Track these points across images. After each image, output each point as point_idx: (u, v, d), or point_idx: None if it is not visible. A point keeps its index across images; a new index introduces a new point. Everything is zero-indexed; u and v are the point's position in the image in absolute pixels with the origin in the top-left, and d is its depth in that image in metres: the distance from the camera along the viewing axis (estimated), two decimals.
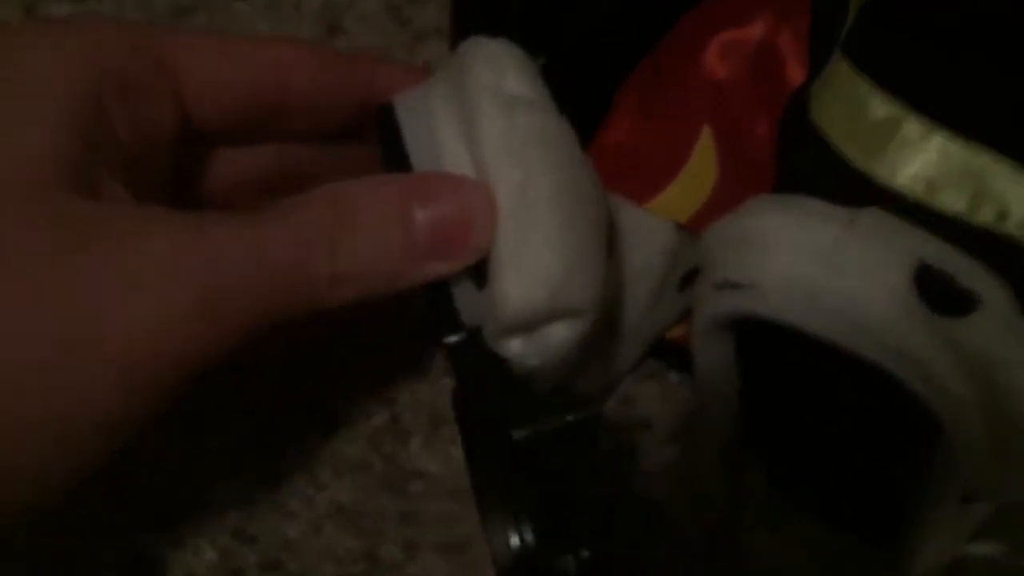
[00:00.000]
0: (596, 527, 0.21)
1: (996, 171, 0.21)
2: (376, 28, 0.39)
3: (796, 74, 0.28)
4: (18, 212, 0.18)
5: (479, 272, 0.22)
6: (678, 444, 0.32)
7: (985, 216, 0.21)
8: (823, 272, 0.18)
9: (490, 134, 0.21)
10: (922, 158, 0.22)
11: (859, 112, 0.23)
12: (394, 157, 0.23)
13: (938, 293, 0.18)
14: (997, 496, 0.20)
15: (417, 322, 0.31)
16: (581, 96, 0.31)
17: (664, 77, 0.30)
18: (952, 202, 0.21)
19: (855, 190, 0.22)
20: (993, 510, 0.22)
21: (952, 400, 0.17)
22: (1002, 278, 0.21)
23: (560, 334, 0.23)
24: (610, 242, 0.25)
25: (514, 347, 0.23)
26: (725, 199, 0.29)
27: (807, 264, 0.19)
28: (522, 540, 0.21)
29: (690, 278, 0.27)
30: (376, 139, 0.24)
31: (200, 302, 0.18)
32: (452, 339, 0.24)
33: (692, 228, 0.28)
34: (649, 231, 0.28)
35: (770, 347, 0.21)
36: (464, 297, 0.23)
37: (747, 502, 0.28)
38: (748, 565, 0.28)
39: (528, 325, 0.22)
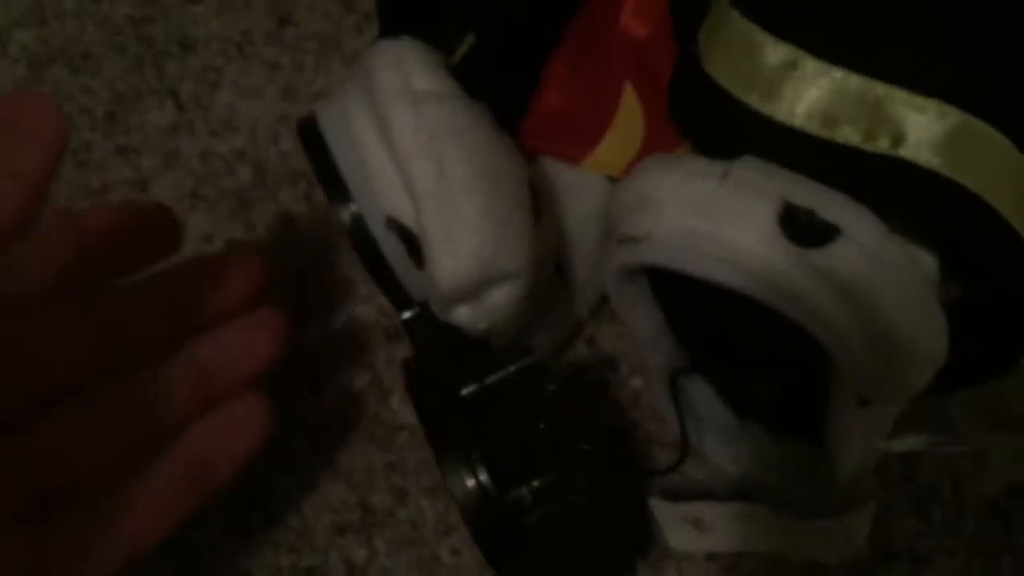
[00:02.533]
0: (546, 459, 0.24)
1: (893, 98, 0.23)
2: (325, 15, 0.41)
3: None
4: None
5: (417, 255, 0.25)
6: (639, 377, 0.35)
7: (881, 144, 0.23)
8: (702, 222, 0.21)
9: (402, 131, 0.24)
10: (817, 94, 0.23)
11: (754, 59, 0.24)
12: (323, 167, 0.25)
13: (802, 228, 0.20)
14: (888, 400, 0.23)
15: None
16: (514, 68, 0.33)
17: (587, 40, 0.32)
18: (849, 134, 0.23)
19: (756, 134, 0.24)
20: (900, 409, 0.25)
21: (828, 323, 0.20)
22: (897, 200, 0.23)
23: (501, 297, 0.26)
24: (539, 206, 0.27)
25: (462, 314, 0.26)
26: (655, 150, 0.31)
27: (689, 216, 0.21)
28: (477, 480, 0.23)
29: None
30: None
31: None
32: (406, 315, 0.26)
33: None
34: (585, 188, 0.31)
35: (680, 287, 0.23)
36: (409, 278, 0.26)
37: (701, 419, 0.31)
38: (709, 474, 0.31)
39: (468, 294, 0.25)
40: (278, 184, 0.37)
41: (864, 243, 0.20)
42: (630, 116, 0.31)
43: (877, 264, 0.20)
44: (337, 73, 0.40)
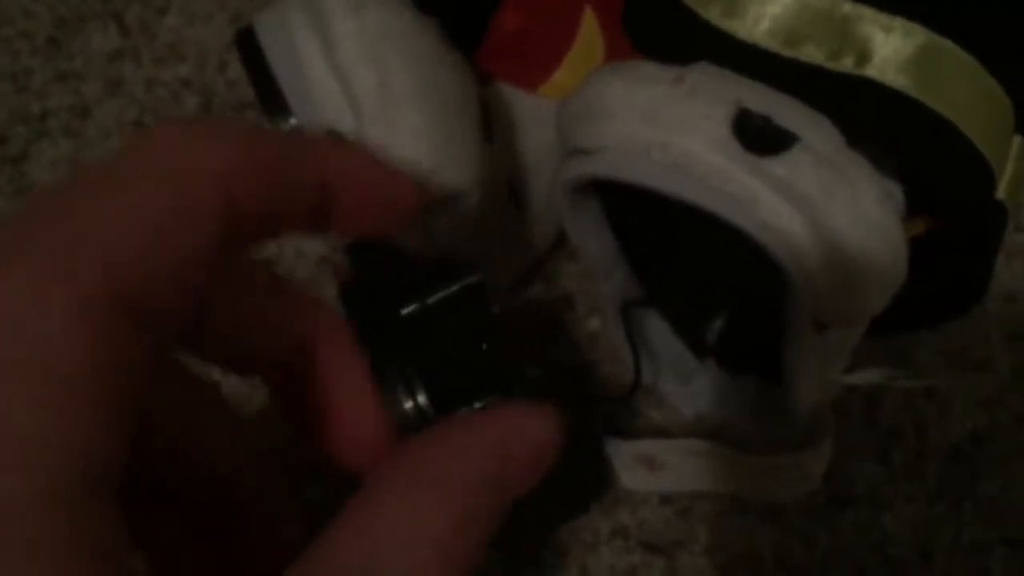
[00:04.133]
0: (488, 381, 0.23)
1: (861, 17, 0.22)
2: None
3: None
4: None
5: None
6: (597, 316, 0.33)
7: (845, 63, 0.22)
8: (653, 129, 0.19)
9: (342, 37, 0.22)
10: (781, 10, 0.22)
11: None
12: (260, 79, 0.24)
13: (757, 134, 0.19)
14: (844, 323, 0.22)
15: None
16: None
17: None
18: (812, 53, 0.22)
19: (715, 51, 0.23)
20: (856, 339, 0.24)
21: (781, 235, 0.19)
22: (861, 119, 0.22)
23: (447, 213, 0.24)
24: (490, 127, 0.26)
25: (406, 235, 0.25)
26: None
27: (639, 124, 0.20)
28: (415, 402, 0.22)
29: None
30: None
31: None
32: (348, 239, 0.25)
33: None
34: (542, 113, 0.29)
35: (634, 206, 0.22)
36: None
37: (658, 357, 0.30)
38: (666, 414, 0.30)
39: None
40: (225, 114, 0.36)
41: (821, 152, 0.19)
42: (589, 41, 0.30)
43: (834, 174, 0.19)
44: None
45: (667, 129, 0.19)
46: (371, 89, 0.22)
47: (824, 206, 0.19)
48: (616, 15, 0.30)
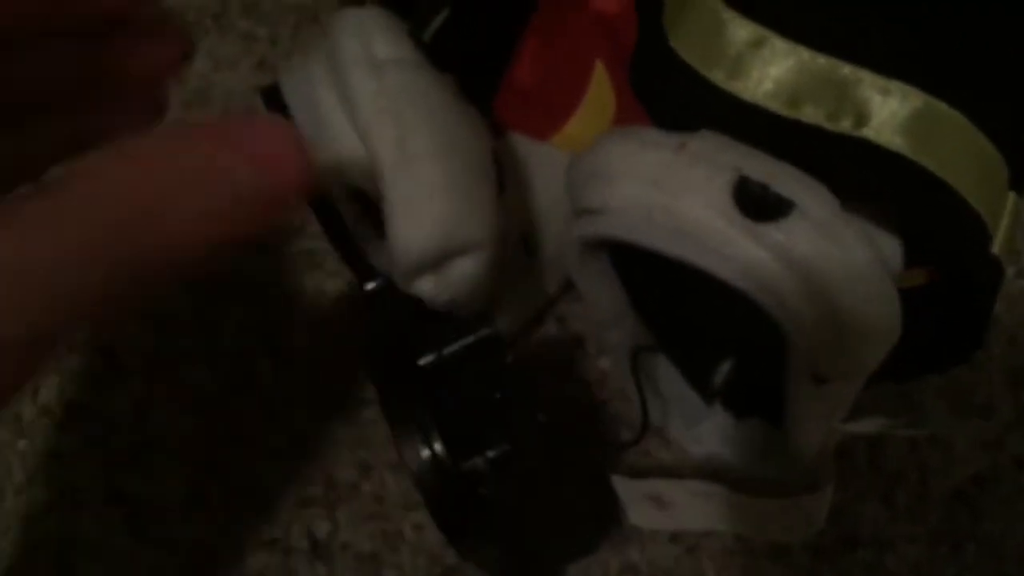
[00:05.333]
0: (501, 429, 0.24)
1: (859, 80, 0.23)
2: None
3: None
4: None
5: (380, 224, 0.25)
6: (607, 355, 0.34)
7: (844, 124, 0.23)
8: (657, 194, 0.20)
9: (363, 98, 0.23)
10: (783, 73, 0.23)
11: (721, 37, 0.24)
12: None
13: (755, 201, 0.20)
14: (842, 377, 0.23)
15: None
16: (487, 42, 0.33)
17: (558, 20, 0.32)
18: (813, 114, 0.23)
19: (720, 111, 0.24)
20: (857, 389, 0.25)
21: (778, 297, 0.20)
22: (858, 180, 0.23)
23: (464, 268, 0.25)
24: (503, 178, 0.27)
25: (425, 286, 0.26)
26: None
27: (643, 188, 0.21)
28: (432, 450, 0.23)
29: None
30: None
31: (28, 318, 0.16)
32: (370, 286, 0.26)
33: None
34: (554, 164, 0.30)
35: (642, 260, 0.23)
36: (374, 249, 0.26)
37: (666, 399, 0.31)
38: (674, 454, 0.31)
39: (431, 265, 0.25)
40: None
41: (817, 218, 0.20)
42: (600, 94, 0.31)
43: (829, 239, 0.20)
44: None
45: (670, 193, 0.20)
46: (390, 148, 0.23)
47: (820, 270, 0.20)
48: (627, 71, 0.31)
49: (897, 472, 0.32)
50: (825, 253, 0.20)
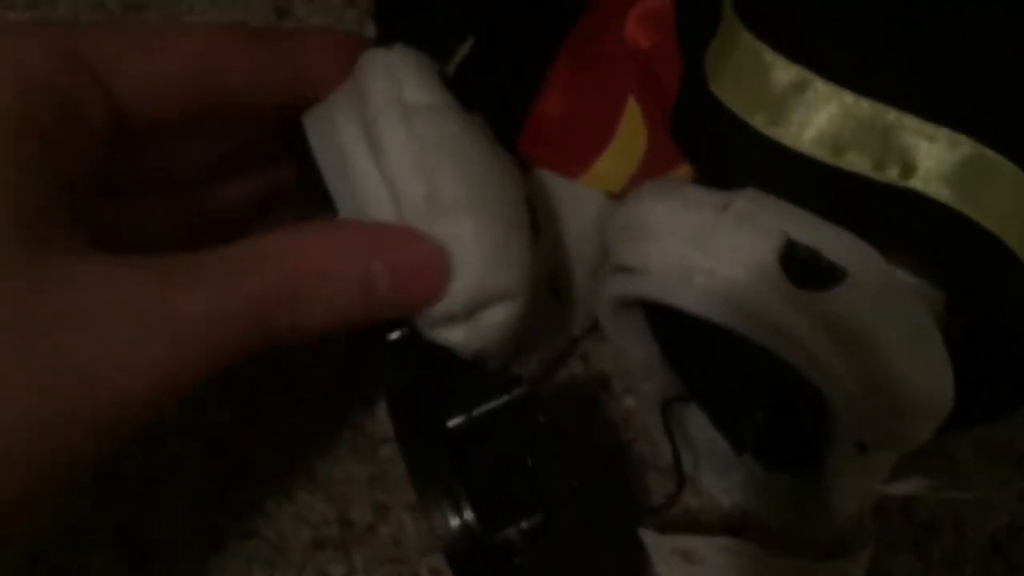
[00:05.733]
0: (534, 498, 0.23)
1: (904, 126, 0.22)
2: (325, 9, 0.40)
3: None
4: None
5: None
6: (632, 395, 0.33)
7: (890, 173, 0.22)
8: (698, 255, 0.19)
9: (392, 146, 0.22)
10: (826, 119, 0.22)
11: (763, 80, 0.23)
12: (308, 175, 0.24)
13: (804, 268, 0.19)
14: (887, 446, 0.22)
15: None
16: (513, 73, 0.32)
17: (589, 51, 0.31)
18: (858, 162, 0.22)
19: (761, 158, 0.23)
20: (896, 456, 0.24)
21: (822, 366, 0.19)
22: (906, 234, 0.22)
23: (497, 317, 0.24)
24: (536, 222, 0.26)
25: (456, 335, 0.25)
26: (656, 166, 0.29)
27: (684, 248, 0.20)
28: (462, 519, 0.22)
29: None
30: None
31: (161, 366, 0.19)
32: (394, 336, 0.25)
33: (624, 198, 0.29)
34: (582, 203, 0.30)
35: (676, 318, 0.22)
36: None
37: (696, 448, 0.30)
38: (703, 503, 0.30)
39: (464, 315, 0.24)
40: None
41: (868, 290, 0.19)
42: (631, 130, 0.30)
43: (880, 311, 0.19)
44: None
45: (713, 256, 0.19)
46: (419, 201, 0.22)
47: (871, 341, 0.19)
48: (658, 106, 0.30)
49: (931, 522, 0.31)
50: (875, 325, 0.19)
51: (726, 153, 0.24)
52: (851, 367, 0.19)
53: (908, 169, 0.22)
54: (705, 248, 0.19)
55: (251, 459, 0.33)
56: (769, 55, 0.24)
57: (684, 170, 0.29)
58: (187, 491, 0.32)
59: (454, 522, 0.22)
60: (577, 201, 0.29)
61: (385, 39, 0.31)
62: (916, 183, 0.22)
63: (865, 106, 0.22)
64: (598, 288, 0.23)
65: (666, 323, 0.25)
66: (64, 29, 0.21)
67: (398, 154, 0.22)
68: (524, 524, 0.22)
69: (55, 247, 0.19)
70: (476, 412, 0.23)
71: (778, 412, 0.26)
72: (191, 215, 0.27)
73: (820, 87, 0.23)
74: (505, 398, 0.23)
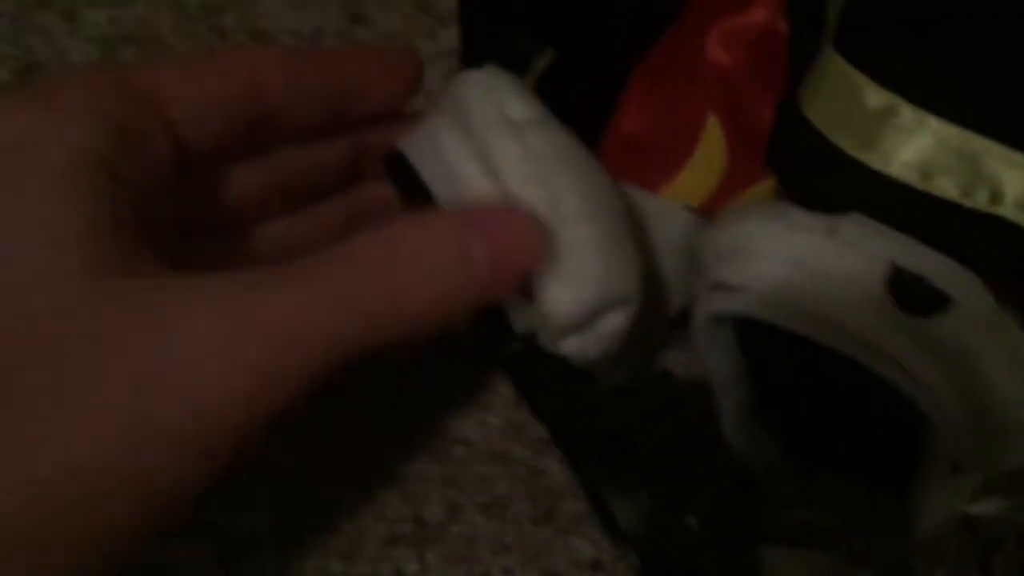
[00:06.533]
0: (710, 487, 0.24)
1: (990, 153, 0.22)
2: (399, 16, 0.40)
3: None
4: (56, 304, 0.17)
5: (524, 285, 0.24)
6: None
7: (979, 199, 0.22)
8: (805, 279, 0.20)
9: (509, 162, 0.23)
10: (916, 144, 0.23)
11: (853, 104, 0.24)
12: (417, 200, 0.25)
13: (910, 294, 0.19)
14: (983, 468, 0.22)
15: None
16: (591, 87, 0.32)
17: (670, 67, 0.31)
18: (946, 187, 0.23)
19: (851, 181, 0.23)
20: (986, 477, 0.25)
21: (926, 389, 0.20)
22: (995, 261, 0.22)
23: (613, 323, 0.25)
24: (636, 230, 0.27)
25: (572, 345, 0.25)
26: (735, 183, 0.30)
27: (791, 271, 0.20)
28: (648, 512, 0.22)
29: None
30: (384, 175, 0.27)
31: (257, 375, 0.19)
32: (512, 349, 0.26)
33: (705, 211, 0.30)
34: (664, 216, 0.30)
35: (769, 338, 0.23)
36: (515, 309, 0.25)
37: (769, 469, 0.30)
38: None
39: (581, 323, 0.25)
40: None
41: (973, 316, 0.20)
42: (712, 146, 0.31)
43: (985, 337, 0.20)
44: None
45: (819, 280, 0.20)
46: (543, 208, 0.23)
47: (979, 367, 0.19)
48: (739, 123, 0.31)
49: (994, 538, 0.32)
50: (982, 349, 0.19)
51: (816, 175, 0.24)
52: (955, 391, 0.19)
53: (996, 196, 0.23)
54: (811, 271, 0.20)
55: (330, 456, 0.34)
56: (860, 79, 0.24)
57: (764, 187, 0.30)
58: (267, 484, 0.33)
59: (638, 515, 0.22)
60: (659, 214, 0.30)
61: (470, 52, 0.32)
62: (1005, 210, 0.22)
63: (953, 133, 0.23)
64: (695, 302, 0.24)
65: (755, 338, 0.25)
66: (127, 69, 0.22)
67: (515, 169, 0.23)
68: (703, 511, 0.22)
69: (132, 270, 0.19)
70: (632, 411, 0.23)
71: (862, 422, 0.26)
72: (259, 252, 0.27)
73: (908, 113, 0.23)
74: (658, 391, 0.23)
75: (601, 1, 0.32)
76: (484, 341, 0.28)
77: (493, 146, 0.23)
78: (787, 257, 0.21)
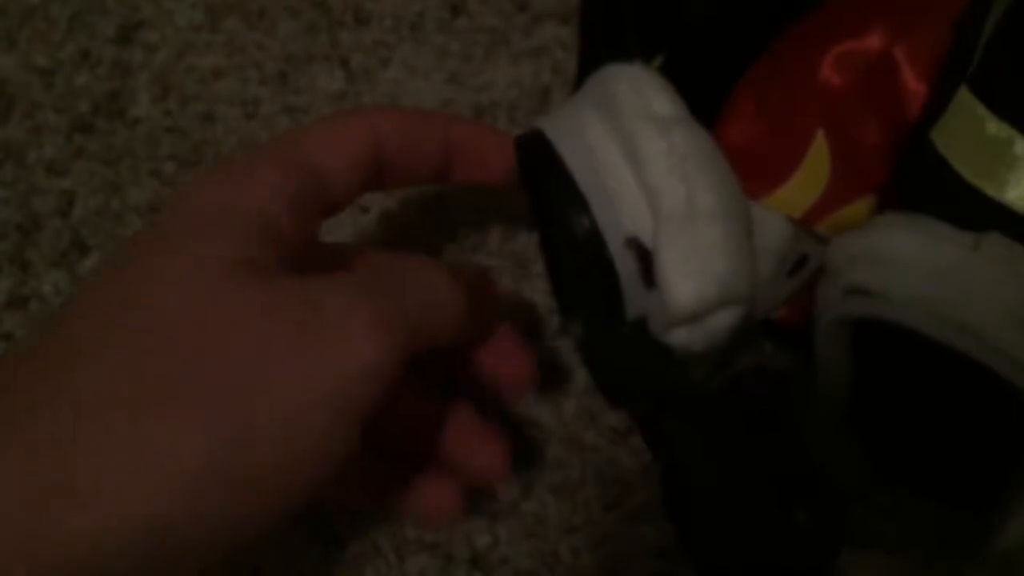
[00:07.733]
0: (809, 478, 0.25)
1: None
2: (497, 11, 0.42)
3: (909, 87, 0.31)
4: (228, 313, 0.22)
5: (648, 273, 0.26)
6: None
7: None
8: (948, 290, 0.22)
9: (654, 155, 0.25)
10: None
11: (975, 133, 0.25)
12: (549, 176, 0.26)
13: None
14: None
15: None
16: (698, 93, 0.34)
17: (780, 81, 0.33)
18: None
19: (967, 204, 0.25)
20: None
21: None
22: None
23: (724, 320, 0.26)
24: None
25: (680, 336, 0.27)
26: (834, 199, 0.32)
27: (934, 281, 0.22)
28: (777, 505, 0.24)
29: (797, 267, 0.31)
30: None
31: (384, 354, 0.22)
32: (623, 332, 0.27)
33: (803, 223, 0.31)
34: (767, 224, 0.31)
35: (885, 340, 0.24)
36: (633, 295, 0.26)
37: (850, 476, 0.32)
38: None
39: (696, 317, 0.26)
40: None
41: None
42: (817, 163, 0.32)
43: None
44: (503, 68, 0.40)
45: (962, 291, 0.21)
46: (680, 204, 0.24)
47: None
48: (845, 141, 0.32)
49: None
50: None
51: (934, 197, 0.26)
52: None
53: None
54: (954, 283, 0.22)
55: None
56: (981, 110, 0.26)
57: (861, 205, 0.32)
58: None
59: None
60: (762, 221, 0.31)
61: (588, 53, 0.34)
62: None
63: None
64: (822, 304, 0.25)
65: (870, 344, 0.27)
66: (290, 142, 0.26)
67: (660, 163, 0.25)
68: (814, 503, 0.24)
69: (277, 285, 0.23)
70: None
71: (946, 436, 0.28)
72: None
73: (1021, 146, 0.25)
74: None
75: (708, 9, 0.34)
76: (588, 324, 0.29)
77: (639, 138, 0.24)
78: (932, 267, 0.22)
